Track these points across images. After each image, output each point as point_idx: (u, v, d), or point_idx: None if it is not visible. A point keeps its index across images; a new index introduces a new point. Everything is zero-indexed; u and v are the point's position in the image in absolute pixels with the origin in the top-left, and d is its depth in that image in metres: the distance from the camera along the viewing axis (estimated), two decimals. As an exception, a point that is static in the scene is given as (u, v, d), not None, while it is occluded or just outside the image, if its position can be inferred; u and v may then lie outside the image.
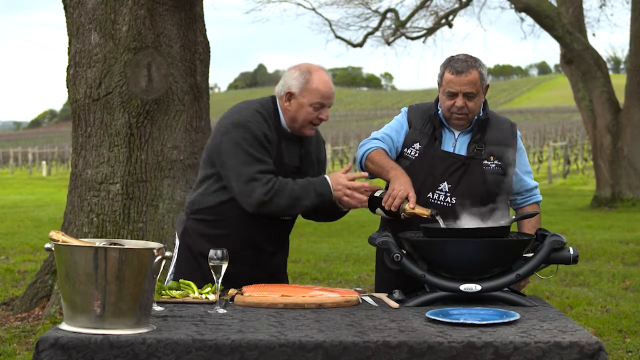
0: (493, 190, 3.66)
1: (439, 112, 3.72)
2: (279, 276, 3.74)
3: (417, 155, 3.70)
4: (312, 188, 3.50)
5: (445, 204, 3.63)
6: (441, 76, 3.66)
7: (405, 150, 3.74)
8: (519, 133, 3.81)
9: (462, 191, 3.63)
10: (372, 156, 3.71)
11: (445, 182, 3.65)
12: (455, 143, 3.71)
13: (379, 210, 3.58)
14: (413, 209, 3.45)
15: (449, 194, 3.64)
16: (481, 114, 3.72)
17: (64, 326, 2.71)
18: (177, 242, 3.75)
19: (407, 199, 3.47)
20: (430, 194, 3.65)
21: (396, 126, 3.80)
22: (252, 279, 3.49)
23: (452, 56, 3.68)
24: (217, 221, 3.60)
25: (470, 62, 3.62)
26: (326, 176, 3.54)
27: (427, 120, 3.75)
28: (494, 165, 3.68)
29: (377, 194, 3.58)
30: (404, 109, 3.87)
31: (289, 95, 3.56)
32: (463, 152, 3.69)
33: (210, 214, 3.61)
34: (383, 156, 3.69)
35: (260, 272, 3.62)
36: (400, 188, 3.49)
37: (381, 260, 3.78)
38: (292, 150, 3.64)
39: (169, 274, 3.70)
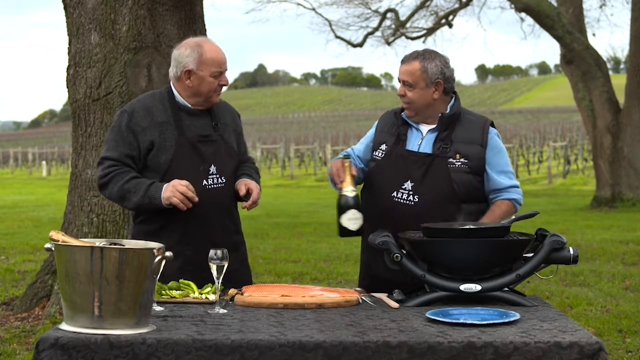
0: (461, 189, 3.65)
1: (403, 111, 3.78)
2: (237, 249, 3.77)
3: (383, 156, 3.75)
4: (144, 188, 3.60)
5: (407, 202, 3.63)
6: None
7: (374, 152, 3.80)
8: (493, 131, 3.76)
9: (425, 189, 3.63)
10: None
11: (409, 181, 3.66)
12: (422, 142, 3.73)
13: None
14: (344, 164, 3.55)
15: (411, 192, 3.64)
16: (447, 111, 3.73)
17: (64, 326, 2.71)
18: None
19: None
20: (394, 193, 3.67)
21: (365, 138, 3.91)
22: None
23: None
24: (155, 213, 3.66)
25: (417, 54, 3.72)
26: (166, 184, 3.59)
27: (392, 122, 3.81)
28: (459, 163, 3.66)
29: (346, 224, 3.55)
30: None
31: (188, 73, 3.68)
32: (428, 150, 3.70)
33: (156, 208, 3.65)
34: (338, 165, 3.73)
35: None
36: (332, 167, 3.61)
37: (366, 262, 3.83)
38: (199, 123, 3.74)
39: None
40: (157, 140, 3.66)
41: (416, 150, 3.70)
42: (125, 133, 3.68)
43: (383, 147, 3.76)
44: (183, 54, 3.68)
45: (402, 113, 3.78)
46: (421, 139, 3.73)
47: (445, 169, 3.64)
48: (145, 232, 3.70)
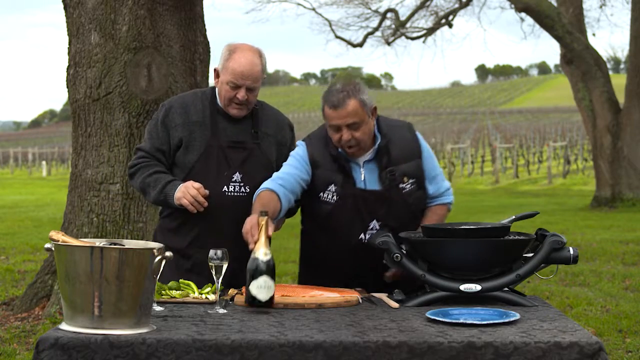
0: (416, 208, 3.65)
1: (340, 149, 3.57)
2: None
3: (336, 198, 3.57)
4: (162, 184, 3.60)
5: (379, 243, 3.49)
6: (322, 110, 3.54)
7: (322, 195, 3.59)
8: (418, 135, 3.70)
9: (392, 224, 3.55)
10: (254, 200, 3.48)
11: (375, 220, 3.58)
12: (364, 176, 3.58)
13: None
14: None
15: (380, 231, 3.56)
16: (380, 140, 3.58)
17: (64, 326, 2.71)
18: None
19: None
20: (362, 236, 3.57)
21: (294, 162, 3.59)
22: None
23: (330, 87, 3.55)
24: (177, 210, 3.64)
25: (346, 92, 3.47)
26: (182, 183, 3.57)
27: (331, 158, 3.59)
28: (409, 185, 3.61)
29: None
30: (301, 143, 3.67)
31: (216, 72, 3.69)
32: (374, 183, 3.58)
33: (171, 206, 3.65)
34: (259, 200, 3.44)
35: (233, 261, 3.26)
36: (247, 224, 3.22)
37: (305, 259, 3.80)
38: (236, 128, 3.68)
39: None
40: (186, 138, 3.65)
41: (363, 186, 3.57)
42: (160, 127, 3.69)
43: (332, 187, 3.57)
44: (222, 51, 3.67)
45: (339, 150, 3.56)
46: (361, 172, 3.59)
47: (401, 196, 3.58)
48: (166, 228, 3.73)
